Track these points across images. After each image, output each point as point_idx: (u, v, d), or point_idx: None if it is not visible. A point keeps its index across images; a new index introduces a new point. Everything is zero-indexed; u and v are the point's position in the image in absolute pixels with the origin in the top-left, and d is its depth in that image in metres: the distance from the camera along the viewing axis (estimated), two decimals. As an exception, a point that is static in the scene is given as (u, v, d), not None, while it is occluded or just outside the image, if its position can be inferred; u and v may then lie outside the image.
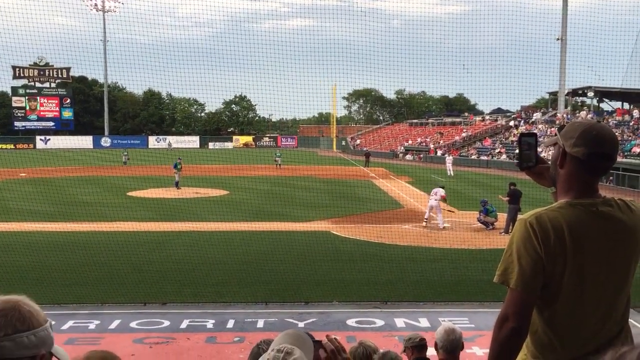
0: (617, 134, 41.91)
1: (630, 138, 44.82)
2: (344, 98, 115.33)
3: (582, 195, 2.51)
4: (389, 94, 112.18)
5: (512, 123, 62.57)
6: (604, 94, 59.40)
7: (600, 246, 2.47)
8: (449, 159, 45.91)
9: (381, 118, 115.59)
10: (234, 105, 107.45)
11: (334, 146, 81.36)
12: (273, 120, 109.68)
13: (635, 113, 50.61)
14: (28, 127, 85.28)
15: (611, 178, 35.58)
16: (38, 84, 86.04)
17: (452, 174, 42.13)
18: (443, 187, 21.69)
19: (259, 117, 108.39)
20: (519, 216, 2.41)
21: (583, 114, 56.17)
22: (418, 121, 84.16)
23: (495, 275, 2.51)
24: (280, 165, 47.87)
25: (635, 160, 38.42)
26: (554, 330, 2.49)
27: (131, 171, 40.77)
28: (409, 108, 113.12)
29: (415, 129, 79.06)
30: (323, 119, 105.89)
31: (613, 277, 2.51)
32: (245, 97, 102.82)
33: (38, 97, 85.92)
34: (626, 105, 58.93)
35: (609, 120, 50.24)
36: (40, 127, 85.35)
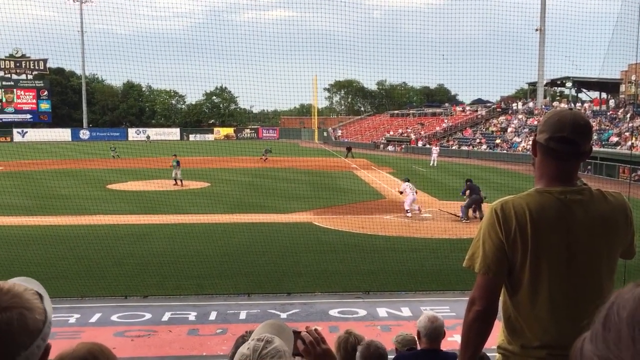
0: (593, 123, 42.65)
1: (607, 127, 45.40)
2: (325, 89, 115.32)
3: (554, 183, 2.51)
4: (370, 85, 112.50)
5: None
6: (582, 84, 60.05)
7: (565, 235, 2.44)
8: (435, 150, 46.21)
9: (362, 109, 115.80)
10: (214, 97, 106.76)
11: (316, 137, 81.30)
12: (254, 111, 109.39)
13: (612, 102, 51.27)
14: (5, 119, 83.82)
15: (589, 167, 36.07)
16: (14, 76, 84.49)
17: (435, 165, 42.43)
18: (408, 180, 21.93)
19: (240, 108, 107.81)
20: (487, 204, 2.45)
21: (556, 103, 56.79)
22: (399, 112, 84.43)
23: (465, 259, 2.58)
24: (266, 158, 47.20)
25: (612, 150, 38.97)
26: (522, 316, 2.52)
27: (111, 164, 40.34)
28: (390, 99, 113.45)
29: (397, 119, 79.32)
30: (304, 111, 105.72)
31: (581, 267, 2.46)
32: (226, 88, 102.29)
33: (15, 89, 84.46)
34: (604, 95, 59.64)
35: (587, 110, 50.82)
36: (17, 120, 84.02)
